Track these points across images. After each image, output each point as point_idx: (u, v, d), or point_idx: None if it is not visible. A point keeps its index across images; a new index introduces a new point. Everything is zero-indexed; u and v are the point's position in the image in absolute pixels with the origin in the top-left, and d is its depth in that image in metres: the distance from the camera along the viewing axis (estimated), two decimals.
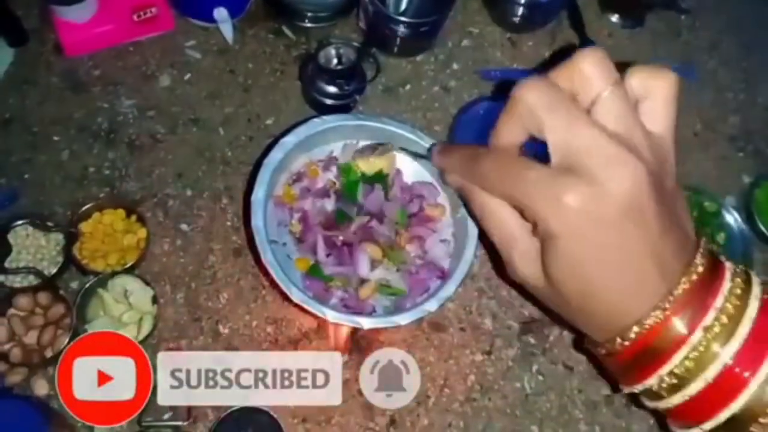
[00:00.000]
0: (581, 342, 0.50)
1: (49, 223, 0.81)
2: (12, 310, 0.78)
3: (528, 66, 1.02)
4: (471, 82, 1.00)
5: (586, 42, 1.03)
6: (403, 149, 0.78)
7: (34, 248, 0.81)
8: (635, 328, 0.41)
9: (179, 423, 0.76)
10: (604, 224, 0.37)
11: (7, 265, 0.79)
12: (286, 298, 0.71)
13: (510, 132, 0.42)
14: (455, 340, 0.84)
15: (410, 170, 0.82)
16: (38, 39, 0.95)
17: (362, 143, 0.80)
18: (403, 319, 0.70)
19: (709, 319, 0.39)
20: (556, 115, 0.38)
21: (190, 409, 0.76)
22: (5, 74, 0.92)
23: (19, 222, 0.81)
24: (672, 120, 0.41)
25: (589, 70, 0.39)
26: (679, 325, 0.40)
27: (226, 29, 0.96)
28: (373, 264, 0.76)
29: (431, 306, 0.71)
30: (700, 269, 0.40)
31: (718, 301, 0.39)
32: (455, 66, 1.01)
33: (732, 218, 0.93)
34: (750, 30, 1.10)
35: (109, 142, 0.90)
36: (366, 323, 0.70)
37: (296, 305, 0.70)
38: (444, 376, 0.82)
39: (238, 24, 0.98)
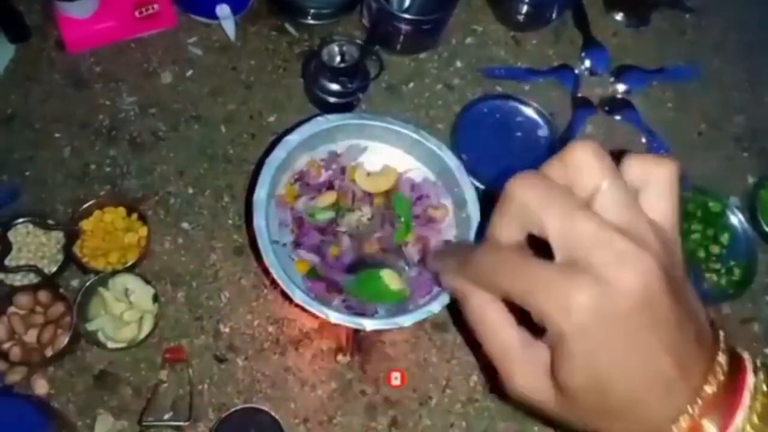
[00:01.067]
0: None
1: (50, 221, 0.81)
2: (12, 309, 0.77)
3: (532, 65, 1.01)
4: (474, 80, 0.99)
5: (590, 41, 1.03)
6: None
7: (35, 246, 0.80)
8: None
9: (180, 423, 0.76)
10: (618, 322, 0.35)
11: (7, 263, 0.79)
12: (287, 297, 0.70)
13: (506, 231, 0.39)
14: (457, 340, 0.83)
15: (416, 170, 0.82)
16: (40, 35, 0.94)
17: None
18: (406, 320, 0.70)
19: (739, 419, 0.37)
20: (555, 210, 0.36)
21: (191, 409, 0.76)
22: (7, 70, 0.92)
23: (20, 220, 0.81)
24: (675, 208, 0.39)
25: (584, 161, 0.37)
26: (710, 428, 0.37)
27: (229, 26, 0.95)
28: None
29: (434, 307, 0.70)
30: (725, 367, 0.38)
31: (746, 399, 0.38)
32: (459, 64, 1.00)
33: (736, 218, 0.93)
34: (755, 29, 1.09)
35: (111, 140, 0.89)
36: (368, 324, 0.69)
37: (298, 305, 0.70)
38: (446, 377, 0.82)
39: (240, 21, 0.97)
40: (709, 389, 0.37)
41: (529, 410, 0.41)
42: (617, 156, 0.39)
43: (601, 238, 0.35)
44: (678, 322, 0.37)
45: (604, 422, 0.39)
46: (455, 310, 0.85)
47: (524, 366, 0.39)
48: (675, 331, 0.37)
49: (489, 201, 0.47)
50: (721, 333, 0.39)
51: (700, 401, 0.37)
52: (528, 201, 0.37)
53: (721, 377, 0.38)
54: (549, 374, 0.38)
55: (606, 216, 0.36)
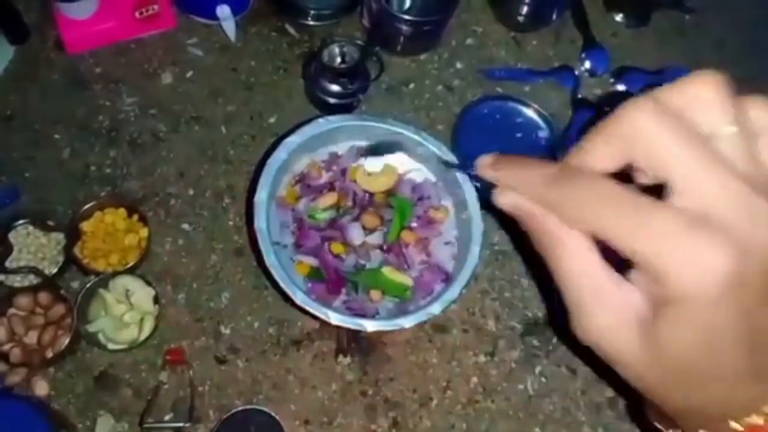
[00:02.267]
0: (640, 414, 0.42)
1: (50, 222, 0.81)
2: (12, 310, 0.77)
3: (532, 65, 1.01)
4: (475, 81, 0.99)
5: (590, 41, 1.03)
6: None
7: (35, 247, 0.80)
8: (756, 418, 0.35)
9: (181, 424, 0.76)
10: (749, 294, 0.31)
11: (7, 264, 0.79)
12: (288, 298, 0.70)
13: (603, 156, 0.33)
14: (458, 341, 0.83)
15: (417, 171, 0.82)
16: (39, 35, 0.94)
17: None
18: (407, 321, 0.70)
19: None
20: (682, 148, 0.31)
21: (191, 411, 0.76)
22: (6, 71, 0.92)
23: (20, 221, 0.80)
24: None
25: (708, 97, 0.32)
26: None
27: (229, 27, 0.95)
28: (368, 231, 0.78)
29: (435, 309, 0.70)
30: None
31: None
32: (459, 65, 1.00)
33: None
34: (755, 30, 1.09)
35: (111, 141, 0.89)
36: (369, 326, 0.69)
37: (299, 307, 0.70)
38: (447, 378, 0.82)
39: (240, 22, 0.97)
40: None
41: (592, 355, 0.36)
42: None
43: (737, 193, 0.30)
44: None
45: (679, 392, 0.35)
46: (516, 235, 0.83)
47: (612, 307, 0.34)
48: None
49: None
50: None
51: None
52: (652, 130, 0.31)
53: None
54: (639, 325, 0.33)
55: (732, 164, 0.31)
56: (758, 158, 0.32)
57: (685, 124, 0.31)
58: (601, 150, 0.33)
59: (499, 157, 0.37)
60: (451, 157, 0.78)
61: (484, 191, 0.86)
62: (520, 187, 0.35)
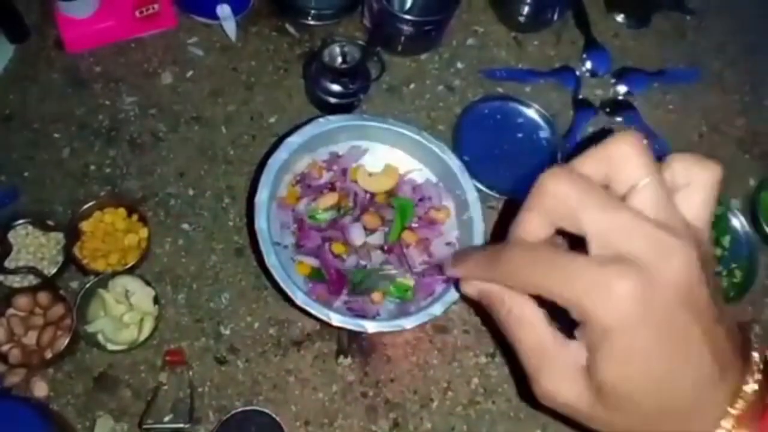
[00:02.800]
0: None
1: (50, 222, 0.81)
2: (11, 311, 0.77)
3: (533, 66, 1.01)
4: (475, 81, 0.99)
5: (591, 42, 1.03)
6: None
7: (34, 247, 0.80)
8: None
9: (181, 425, 0.75)
10: (662, 312, 0.34)
11: (6, 264, 0.78)
12: (288, 299, 0.70)
13: (536, 227, 0.38)
14: (459, 342, 0.83)
15: (417, 172, 0.82)
16: (39, 34, 0.94)
17: None
18: (409, 322, 0.69)
19: None
20: (592, 204, 0.35)
21: (191, 412, 0.76)
22: (5, 70, 0.91)
23: (20, 221, 0.80)
24: (711, 211, 0.38)
25: (626, 154, 0.36)
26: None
27: (229, 26, 0.95)
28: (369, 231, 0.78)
29: (436, 310, 0.70)
30: (761, 366, 0.37)
31: None
32: (460, 65, 1.00)
33: (737, 221, 0.93)
34: (756, 31, 1.09)
35: (111, 140, 0.89)
36: (371, 327, 0.69)
37: (299, 307, 0.69)
38: (447, 379, 0.81)
39: (241, 21, 0.97)
40: (749, 389, 0.36)
41: (556, 415, 0.39)
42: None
43: (642, 230, 0.34)
44: (715, 315, 0.36)
45: (643, 427, 0.38)
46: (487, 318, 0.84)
47: (558, 366, 0.37)
48: (714, 323, 0.36)
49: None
50: (755, 329, 0.38)
51: (741, 402, 0.36)
52: (565, 195, 0.36)
53: (759, 376, 0.37)
54: (585, 375, 0.36)
55: (643, 211, 0.35)
56: (674, 206, 0.36)
57: (594, 184, 0.36)
58: (531, 223, 0.38)
59: (456, 255, 0.44)
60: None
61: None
62: (475, 274, 0.40)
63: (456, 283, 0.45)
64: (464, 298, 0.46)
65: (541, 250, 0.37)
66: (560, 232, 0.38)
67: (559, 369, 0.37)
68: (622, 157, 0.36)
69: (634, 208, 0.35)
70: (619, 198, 0.36)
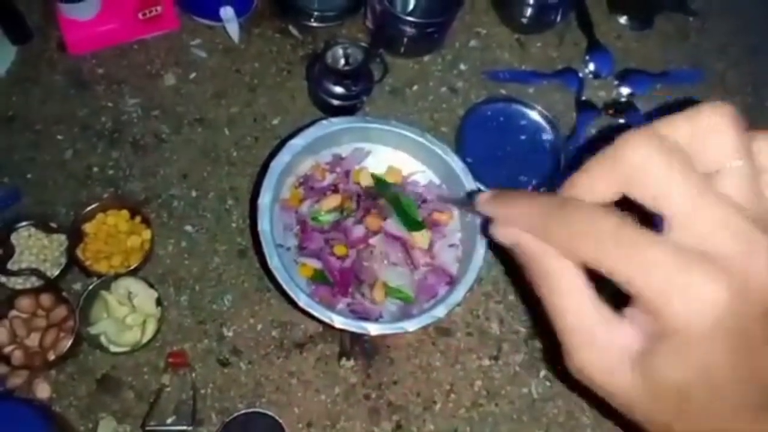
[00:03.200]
0: None
1: (52, 224, 0.81)
2: (14, 312, 0.77)
3: (536, 67, 1.01)
4: (478, 83, 0.99)
5: (594, 44, 1.03)
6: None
7: (37, 249, 0.80)
8: None
9: (183, 427, 0.75)
10: (745, 326, 0.30)
11: (9, 266, 0.78)
12: (291, 301, 0.70)
13: (600, 188, 0.33)
14: (462, 344, 0.83)
15: (421, 173, 0.82)
16: (42, 36, 0.94)
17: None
18: (411, 325, 0.69)
19: None
20: (681, 184, 0.31)
21: (194, 414, 0.76)
22: (8, 72, 0.91)
23: (23, 223, 0.80)
24: None
25: (718, 129, 0.32)
26: None
27: (232, 28, 0.95)
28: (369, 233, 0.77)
29: (439, 312, 0.70)
30: None
31: None
32: (462, 67, 1.00)
33: None
34: (759, 33, 1.09)
35: (113, 142, 0.89)
36: (373, 329, 0.69)
37: (302, 310, 0.69)
38: (450, 382, 0.81)
39: (244, 23, 0.97)
40: None
41: (584, 390, 0.36)
42: None
43: (735, 224, 0.30)
44: None
45: (677, 423, 0.35)
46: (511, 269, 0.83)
47: (604, 344, 0.33)
48: None
49: None
50: None
51: None
52: (649, 165, 0.31)
53: None
54: (634, 362, 0.33)
55: (733, 199, 0.31)
56: (762, 194, 0.32)
57: (683, 158, 0.31)
58: (599, 182, 0.33)
59: (498, 192, 0.37)
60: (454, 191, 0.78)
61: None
62: (518, 221, 0.35)
63: (485, 222, 0.38)
64: (494, 246, 0.38)
65: (611, 218, 0.31)
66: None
67: (604, 348, 0.34)
68: (714, 129, 0.32)
69: (724, 194, 0.31)
70: (710, 181, 0.32)
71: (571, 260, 0.33)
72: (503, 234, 0.36)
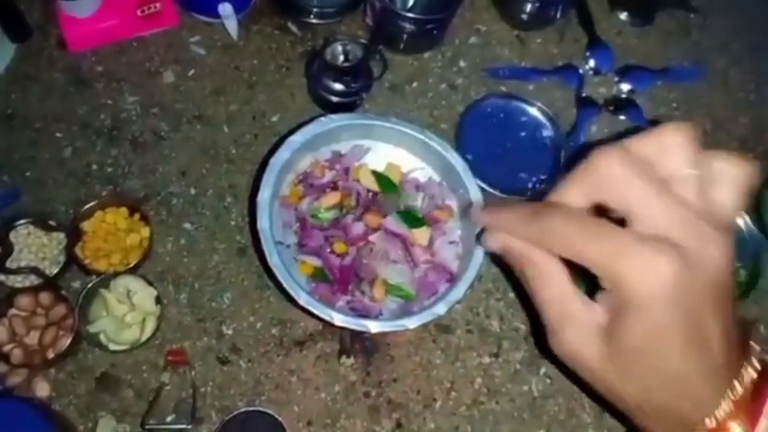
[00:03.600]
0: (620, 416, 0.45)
1: (51, 222, 0.80)
2: (13, 311, 0.77)
3: (536, 64, 1.01)
4: (478, 79, 0.99)
5: (595, 40, 1.02)
6: None
7: (36, 247, 0.80)
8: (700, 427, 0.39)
9: (183, 425, 0.75)
10: (692, 296, 0.37)
11: (8, 264, 0.78)
12: (291, 299, 0.70)
13: (577, 197, 0.40)
14: (462, 342, 0.83)
15: (420, 170, 0.82)
16: (41, 34, 0.93)
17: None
18: (412, 322, 0.69)
19: (761, 427, 0.39)
20: (640, 185, 0.37)
21: (194, 412, 0.76)
22: (7, 69, 0.91)
23: (21, 221, 0.80)
24: (739, 207, 0.40)
25: (677, 144, 0.39)
26: (736, 429, 0.39)
27: (231, 25, 0.95)
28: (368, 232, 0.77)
29: (440, 309, 0.70)
30: (759, 366, 0.40)
31: None
32: (462, 63, 1.00)
33: (742, 220, 0.92)
34: (760, 29, 1.09)
35: (112, 139, 0.89)
36: (373, 327, 0.69)
37: (302, 307, 0.69)
38: (451, 379, 0.81)
39: (242, 20, 0.97)
40: (747, 377, 0.39)
41: (566, 369, 0.42)
42: None
43: (686, 218, 0.37)
44: (732, 310, 0.39)
45: (644, 394, 0.40)
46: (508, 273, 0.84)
47: (578, 323, 0.39)
48: (730, 317, 0.39)
49: None
50: (759, 328, 0.41)
51: (739, 389, 0.39)
52: (618, 175, 0.38)
53: (757, 364, 0.40)
54: (604, 336, 0.39)
55: (685, 200, 0.38)
56: (710, 199, 0.39)
57: (644, 167, 0.38)
58: (575, 192, 0.40)
59: (495, 204, 0.45)
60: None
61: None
62: (507, 226, 0.42)
63: (478, 234, 0.45)
64: (493, 257, 0.47)
65: (584, 216, 0.39)
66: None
67: (579, 326, 0.40)
68: (674, 146, 0.38)
69: (679, 195, 0.38)
70: (666, 184, 0.38)
71: (549, 254, 0.40)
72: (492, 241, 0.43)
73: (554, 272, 0.40)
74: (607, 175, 0.38)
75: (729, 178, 0.40)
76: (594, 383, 0.42)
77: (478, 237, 0.48)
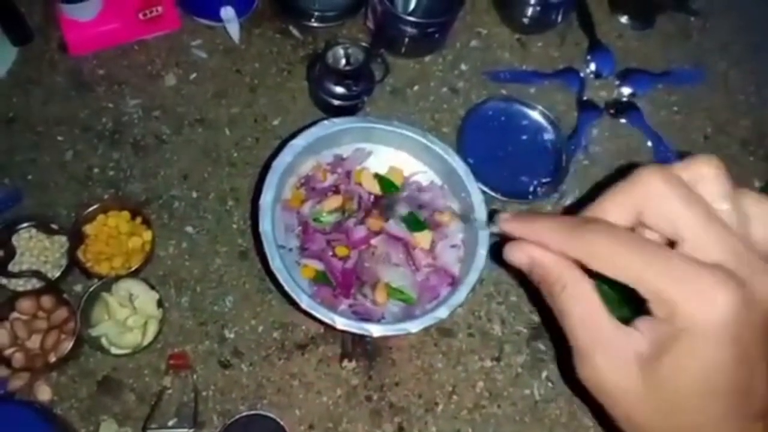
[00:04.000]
0: None
1: (53, 226, 0.80)
2: (15, 314, 0.77)
3: (537, 67, 1.01)
4: (479, 83, 0.99)
5: (595, 43, 1.02)
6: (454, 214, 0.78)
7: (38, 251, 0.80)
8: None
9: (185, 429, 0.75)
10: (749, 334, 0.34)
11: (10, 268, 0.78)
12: (293, 302, 0.70)
13: (617, 214, 0.38)
14: (464, 345, 0.83)
15: (422, 174, 0.82)
16: (42, 37, 0.93)
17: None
18: (414, 326, 0.69)
19: None
20: (695, 211, 0.36)
21: (195, 416, 0.75)
22: (9, 73, 0.91)
23: (23, 225, 0.80)
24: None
25: (714, 175, 0.37)
26: None
27: (233, 28, 0.95)
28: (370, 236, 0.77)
29: (442, 313, 0.70)
30: None
31: None
32: (463, 67, 1.00)
33: None
34: (761, 32, 1.09)
35: (114, 143, 0.89)
36: (375, 330, 0.69)
37: (304, 311, 0.69)
38: (452, 383, 0.81)
39: (244, 23, 0.97)
40: None
41: (590, 399, 0.39)
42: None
43: (738, 248, 0.35)
44: None
45: (668, 427, 0.38)
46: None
47: (613, 348, 0.37)
48: None
49: None
50: None
51: None
52: (668, 194, 0.36)
53: None
54: (640, 364, 0.36)
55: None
56: (747, 233, 0.37)
57: (698, 194, 0.36)
58: (619, 209, 0.38)
59: (524, 214, 0.41)
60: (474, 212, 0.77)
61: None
62: (542, 237, 0.39)
63: (499, 243, 0.41)
64: (503, 264, 0.43)
65: (632, 234, 0.36)
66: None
67: (614, 351, 0.37)
68: (709, 177, 0.37)
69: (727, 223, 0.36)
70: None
71: (581, 272, 0.37)
72: (517, 253, 0.40)
73: (586, 291, 0.37)
74: (653, 194, 0.36)
75: (761, 217, 0.38)
76: (614, 411, 0.38)
77: (494, 246, 0.44)
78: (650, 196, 0.36)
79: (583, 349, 0.37)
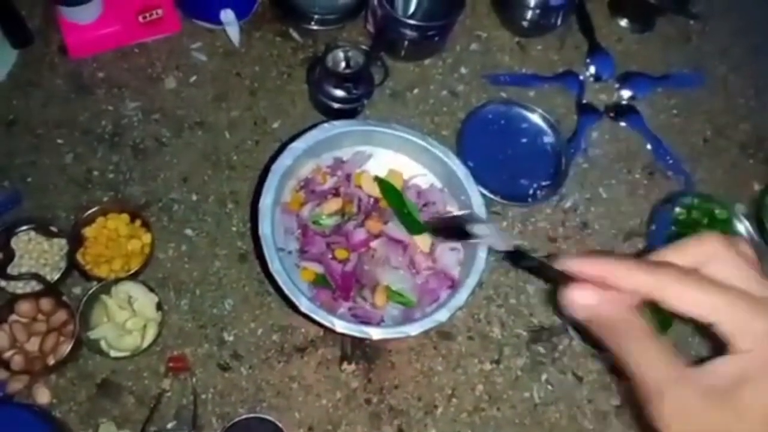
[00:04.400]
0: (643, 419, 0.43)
1: (53, 228, 0.80)
2: (14, 317, 0.77)
3: (537, 71, 1.01)
4: (479, 86, 0.99)
5: (595, 47, 1.02)
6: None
7: (37, 253, 0.80)
8: None
9: None
10: None
11: (9, 270, 0.78)
12: (292, 305, 0.70)
13: (682, 261, 0.40)
14: (463, 348, 0.83)
15: (422, 177, 0.82)
16: (43, 40, 0.94)
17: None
18: (414, 329, 0.69)
19: None
20: (748, 271, 0.39)
21: (194, 419, 0.75)
22: (9, 75, 0.91)
23: (23, 227, 0.80)
24: None
25: (749, 255, 0.40)
26: None
27: (233, 31, 0.95)
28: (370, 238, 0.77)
29: (442, 316, 0.70)
30: None
31: None
32: (463, 70, 1.00)
33: (742, 226, 0.92)
34: (760, 35, 1.09)
35: (114, 146, 0.89)
36: (375, 333, 0.69)
37: (303, 314, 0.69)
38: (452, 386, 0.81)
39: (244, 26, 0.97)
40: None
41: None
42: None
43: None
44: None
45: None
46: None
47: (691, 384, 0.38)
48: None
49: None
50: None
51: None
52: (724, 253, 0.39)
53: None
54: (722, 398, 0.37)
55: None
56: None
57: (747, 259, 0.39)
58: (683, 256, 0.40)
59: (594, 253, 0.42)
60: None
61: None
62: (613, 275, 0.39)
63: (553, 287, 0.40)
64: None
65: (703, 275, 0.39)
66: None
67: (691, 387, 0.38)
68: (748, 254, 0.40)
69: None
70: None
71: (680, 308, 0.38)
72: (588, 300, 0.40)
73: (652, 333, 0.39)
74: (714, 253, 0.39)
75: None
76: None
77: (552, 293, 0.43)
78: (710, 253, 0.39)
79: (657, 388, 0.38)
